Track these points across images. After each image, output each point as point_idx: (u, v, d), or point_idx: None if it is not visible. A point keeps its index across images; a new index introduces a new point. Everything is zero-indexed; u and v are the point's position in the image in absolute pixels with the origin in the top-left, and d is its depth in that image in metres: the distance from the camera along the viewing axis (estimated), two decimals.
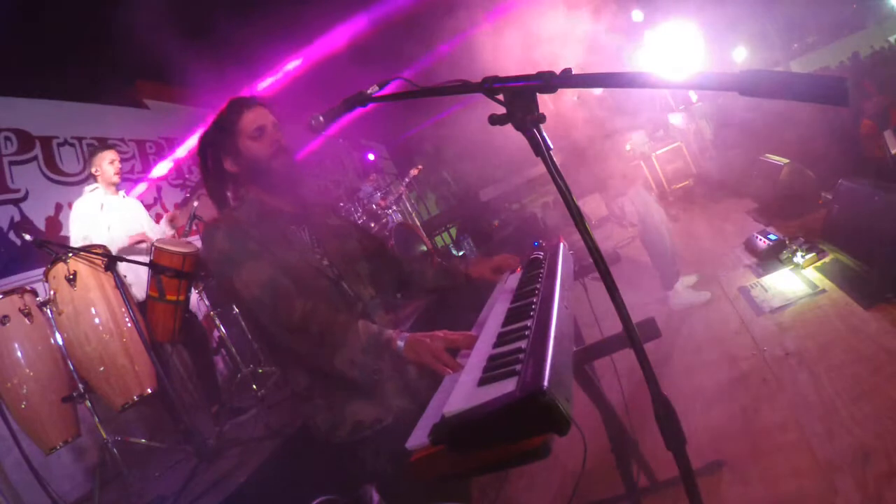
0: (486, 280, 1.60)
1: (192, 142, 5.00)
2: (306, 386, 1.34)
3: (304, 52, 5.95)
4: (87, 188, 2.97)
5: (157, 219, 3.26)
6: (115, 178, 2.99)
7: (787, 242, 3.13)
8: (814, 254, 2.89)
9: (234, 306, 3.31)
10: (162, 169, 4.94)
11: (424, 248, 5.49)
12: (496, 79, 0.95)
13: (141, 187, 4.57)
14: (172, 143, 5.27)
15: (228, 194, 1.46)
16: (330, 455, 1.35)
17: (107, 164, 2.95)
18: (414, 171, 5.88)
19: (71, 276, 2.29)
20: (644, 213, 3.32)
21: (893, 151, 3.75)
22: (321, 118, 1.20)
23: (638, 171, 3.58)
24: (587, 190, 4.27)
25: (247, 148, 1.39)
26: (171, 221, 3.16)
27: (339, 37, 5.90)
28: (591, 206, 7.09)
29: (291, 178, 1.44)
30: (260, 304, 1.25)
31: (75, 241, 2.81)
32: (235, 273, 1.26)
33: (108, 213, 2.91)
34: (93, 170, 2.96)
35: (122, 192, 3.11)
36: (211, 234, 1.33)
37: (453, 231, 7.85)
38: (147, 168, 4.85)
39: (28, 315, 2.25)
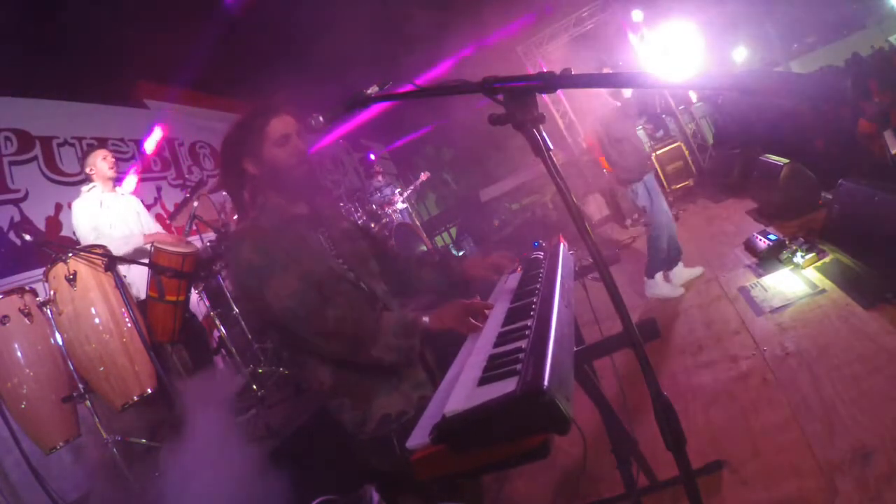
0: (484, 279, 1.62)
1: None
2: (331, 385, 1.36)
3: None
4: (84, 188, 2.98)
5: (157, 219, 3.27)
6: (111, 173, 3.01)
7: (787, 242, 3.13)
8: (814, 254, 2.89)
9: (235, 306, 3.31)
10: (150, 145, 4.88)
11: (424, 248, 5.51)
12: (496, 79, 0.94)
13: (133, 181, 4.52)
14: (172, 143, 5.27)
15: (245, 195, 1.46)
16: (355, 449, 1.38)
17: (100, 160, 2.98)
18: (423, 177, 5.96)
19: (71, 276, 2.29)
20: (655, 196, 3.58)
21: (893, 151, 3.74)
22: (321, 118, 1.20)
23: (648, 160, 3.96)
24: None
25: (271, 154, 1.40)
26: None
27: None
28: (591, 207, 7.12)
29: (310, 186, 1.48)
30: (293, 316, 1.26)
31: (84, 237, 2.82)
32: (265, 285, 1.27)
33: (108, 211, 2.92)
34: (87, 170, 2.98)
35: (119, 189, 3.12)
36: (237, 245, 1.33)
37: (453, 231, 7.86)
38: (147, 168, 4.84)
39: (28, 315, 2.25)
